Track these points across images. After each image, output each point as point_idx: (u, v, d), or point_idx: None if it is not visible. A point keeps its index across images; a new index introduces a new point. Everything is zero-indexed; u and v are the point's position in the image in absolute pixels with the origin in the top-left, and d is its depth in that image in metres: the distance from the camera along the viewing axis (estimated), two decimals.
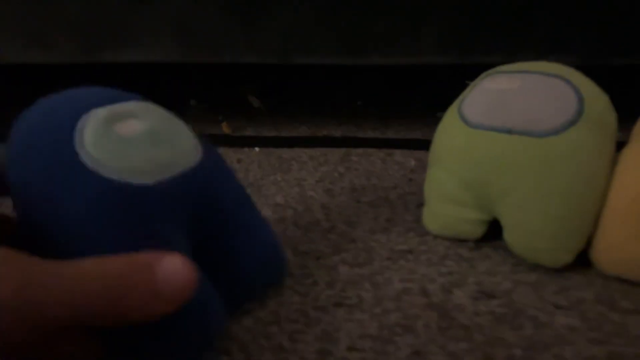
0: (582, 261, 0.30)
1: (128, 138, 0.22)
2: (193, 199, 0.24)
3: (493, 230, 0.33)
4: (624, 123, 0.33)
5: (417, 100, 0.69)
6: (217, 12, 0.46)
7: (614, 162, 0.30)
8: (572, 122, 0.29)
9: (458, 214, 0.33)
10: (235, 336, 0.25)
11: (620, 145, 0.31)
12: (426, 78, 0.70)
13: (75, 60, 0.47)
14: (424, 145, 0.52)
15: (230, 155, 0.50)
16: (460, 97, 0.34)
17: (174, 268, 0.18)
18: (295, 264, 0.31)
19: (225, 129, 0.58)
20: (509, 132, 0.30)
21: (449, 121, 0.33)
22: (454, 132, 0.32)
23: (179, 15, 0.46)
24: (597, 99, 0.31)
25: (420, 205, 0.39)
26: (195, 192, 0.24)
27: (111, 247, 0.20)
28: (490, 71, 0.34)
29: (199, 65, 0.54)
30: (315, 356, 0.24)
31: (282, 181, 0.44)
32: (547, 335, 0.25)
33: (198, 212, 0.24)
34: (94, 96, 0.24)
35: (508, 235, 0.31)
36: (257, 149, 0.52)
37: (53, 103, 0.23)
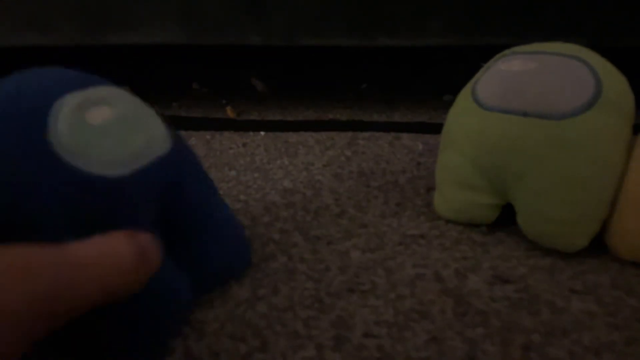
0: (597, 245, 0.29)
1: (101, 126, 0.21)
2: (164, 186, 0.23)
3: (506, 215, 0.32)
4: None
5: (422, 83, 0.68)
6: None
7: (630, 146, 0.29)
8: (589, 105, 0.29)
9: (471, 199, 0.32)
10: (249, 322, 0.25)
11: (636, 128, 0.30)
12: (431, 60, 0.69)
13: (76, 42, 0.46)
14: (432, 128, 0.51)
15: (235, 139, 0.50)
16: (474, 79, 0.34)
17: (148, 243, 0.19)
18: (307, 249, 0.31)
19: (229, 112, 0.57)
20: (524, 114, 0.29)
21: (462, 104, 0.33)
22: (468, 115, 0.32)
23: None
24: (615, 81, 0.30)
25: (430, 189, 0.38)
26: (167, 179, 0.23)
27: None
28: (504, 52, 0.33)
29: (201, 48, 0.53)
30: (332, 342, 0.24)
31: (290, 165, 0.44)
32: (565, 320, 0.25)
33: (167, 199, 0.24)
34: (64, 80, 0.23)
35: (522, 220, 0.31)
36: (262, 133, 0.51)
37: (21, 84, 0.22)
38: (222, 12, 0.46)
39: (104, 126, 0.21)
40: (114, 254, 0.18)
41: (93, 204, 0.20)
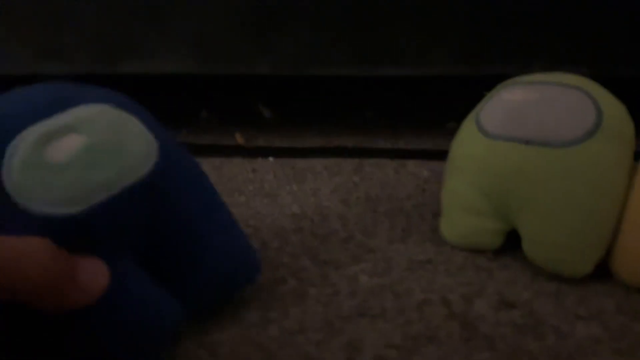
0: (602, 271, 0.30)
1: (59, 164, 0.20)
2: (143, 208, 0.23)
3: (510, 240, 0.33)
4: None
5: (425, 111, 0.70)
6: (232, 24, 0.47)
7: (632, 172, 0.30)
8: (590, 134, 0.30)
9: (477, 224, 0.33)
10: (261, 345, 0.26)
11: (637, 155, 0.31)
12: (434, 89, 0.71)
13: (90, 71, 0.47)
14: (436, 155, 0.52)
15: (244, 165, 0.51)
16: (477, 108, 0.35)
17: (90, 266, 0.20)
18: (316, 274, 0.32)
19: (238, 139, 0.58)
20: (527, 142, 0.30)
21: (467, 132, 0.34)
22: (473, 142, 0.33)
23: (194, 27, 0.47)
24: (615, 110, 0.31)
25: (436, 215, 0.39)
26: (146, 201, 0.23)
27: None
28: (506, 82, 0.34)
29: (208, 77, 0.55)
30: None
31: (298, 191, 0.45)
32: (571, 345, 0.25)
33: (150, 219, 0.23)
34: (31, 107, 0.22)
35: (527, 246, 0.31)
36: (271, 158, 0.52)
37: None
38: (232, 43, 0.48)
39: (63, 163, 0.21)
40: (21, 250, 0.18)
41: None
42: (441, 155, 0.52)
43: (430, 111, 0.69)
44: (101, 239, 0.21)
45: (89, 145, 0.21)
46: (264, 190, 0.45)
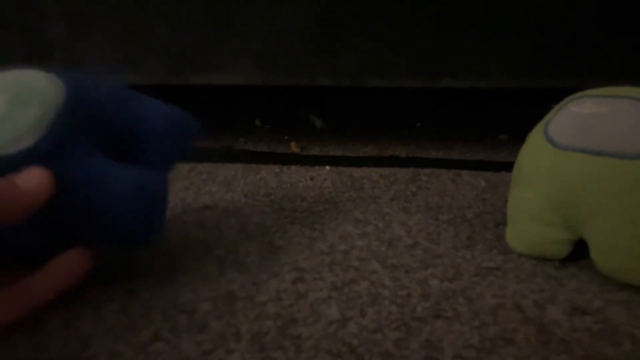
0: None
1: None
2: (79, 120, 0.29)
3: (576, 249, 0.34)
4: None
5: (475, 123, 0.70)
6: (295, 38, 0.49)
7: None
8: None
9: (545, 234, 0.33)
10: (342, 340, 0.27)
11: None
12: (483, 101, 0.71)
13: (163, 82, 0.50)
14: (491, 166, 0.53)
15: (302, 173, 0.53)
16: (544, 119, 0.35)
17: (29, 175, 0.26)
18: (387, 276, 0.33)
19: (294, 147, 0.60)
20: (598, 153, 0.31)
21: (535, 143, 0.35)
22: (541, 153, 0.34)
23: (260, 41, 0.49)
24: None
25: (499, 224, 0.40)
26: (77, 115, 0.29)
27: None
28: (575, 95, 0.35)
29: (263, 87, 0.57)
30: None
31: (358, 198, 0.46)
32: None
33: (92, 125, 0.30)
34: None
35: (596, 256, 0.32)
36: (327, 167, 0.54)
37: None
38: (295, 55, 0.50)
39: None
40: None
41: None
42: (496, 166, 0.53)
43: (481, 123, 0.70)
44: (56, 153, 0.27)
45: (9, 99, 0.27)
46: (324, 197, 0.47)
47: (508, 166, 0.40)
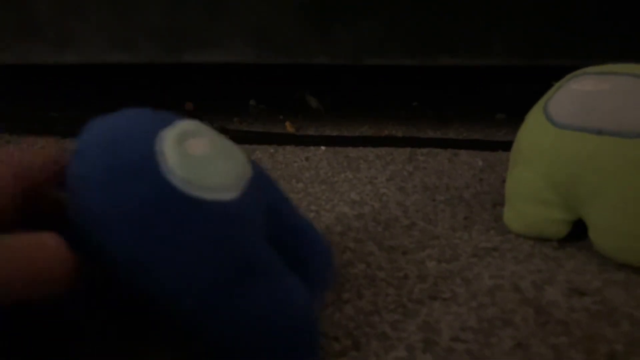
0: None
1: (203, 156, 0.22)
2: (261, 205, 0.24)
3: (574, 229, 0.33)
4: None
5: (472, 102, 0.70)
6: (292, 16, 0.48)
7: None
8: None
9: (543, 214, 0.33)
10: (339, 323, 0.27)
11: None
12: (479, 80, 0.70)
13: (156, 60, 0.49)
14: (489, 145, 0.52)
15: (298, 154, 0.52)
16: (544, 98, 0.35)
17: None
18: (383, 258, 0.32)
19: (289, 127, 0.60)
20: (598, 132, 0.31)
21: (535, 121, 0.34)
22: (541, 132, 0.33)
23: (255, 19, 0.48)
24: None
25: (496, 204, 0.39)
26: (263, 199, 0.24)
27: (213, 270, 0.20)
28: (575, 72, 0.34)
29: (256, 66, 0.56)
30: (422, 345, 0.25)
31: (354, 179, 0.45)
32: None
33: (267, 211, 0.25)
34: (150, 118, 0.23)
35: (595, 236, 0.32)
36: (323, 147, 0.53)
37: (119, 125, 0.22)
38: (292, 34, 0.49)
39: (205, 156, 0.22)
40: (38, 245, 0.18)
41: (210, 230, 0.21)
42: (494, 145, 0.53)
43: (478, 102, 0.69)
44: (249, 223, 0.22)
45: (214, 145, 0.23)
46: (320, 178, 0.46)
47: (506, 145, 0.40)
